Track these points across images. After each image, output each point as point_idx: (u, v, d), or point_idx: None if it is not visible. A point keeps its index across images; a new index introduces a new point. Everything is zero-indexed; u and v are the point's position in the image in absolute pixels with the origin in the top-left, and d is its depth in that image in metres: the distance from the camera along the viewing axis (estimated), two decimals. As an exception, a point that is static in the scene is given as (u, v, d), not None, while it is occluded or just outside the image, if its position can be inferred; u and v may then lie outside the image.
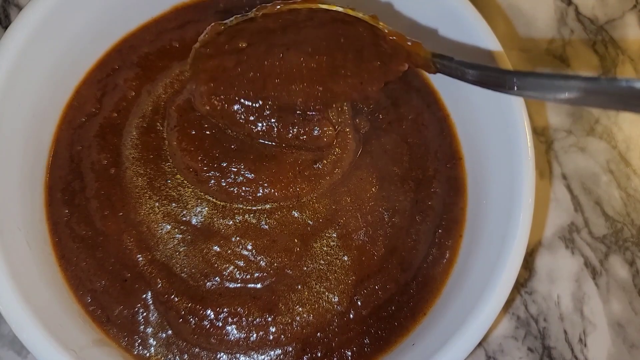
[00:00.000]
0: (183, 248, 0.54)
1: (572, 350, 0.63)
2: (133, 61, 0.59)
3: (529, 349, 0.63)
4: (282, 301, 0.53)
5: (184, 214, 0.55)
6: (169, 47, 0.60)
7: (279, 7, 0.52)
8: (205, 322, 0.52)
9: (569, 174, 0.69)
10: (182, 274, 0.54)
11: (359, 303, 0.54)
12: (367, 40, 0.51)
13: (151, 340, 0.53)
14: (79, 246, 0.54)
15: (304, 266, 0.54)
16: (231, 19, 0.53)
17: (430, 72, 0.52)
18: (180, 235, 0.55)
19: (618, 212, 0.68)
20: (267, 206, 0.55)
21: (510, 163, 0.52)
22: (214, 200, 0.55)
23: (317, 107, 0.52)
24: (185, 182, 0.56)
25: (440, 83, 0.59)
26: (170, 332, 0.53)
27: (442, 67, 0.50)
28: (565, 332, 0.64)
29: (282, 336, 0.53)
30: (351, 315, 0.54)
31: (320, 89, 0.51)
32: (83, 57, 0.57)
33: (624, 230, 0.68)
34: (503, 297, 0.49)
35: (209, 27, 0.53)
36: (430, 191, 0.57)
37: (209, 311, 0.53)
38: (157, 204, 0.55)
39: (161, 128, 0.57)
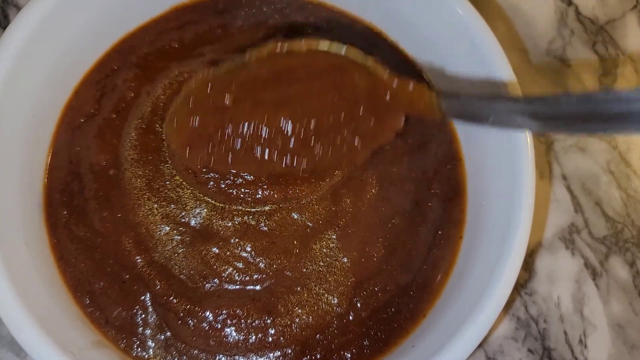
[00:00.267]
0: (182, 249, 0.54)
1: (572, 351, 0.63)
2: (132, 62, 0.59)
3: (529, 350, 0.63)
4: (281, 303, 0.53)
5: (182, 216, 0.55)
6: (168, 47, 0.59)
7: (278, 47, 0.48)
8: (204, 324, 0.52)
9: (569, 174, 0.68)
10: (181, 276, 0.54)
11: (359, 305, 0.54)
12: (363, 91, 0.47)
13: (150, 342, 0.53)
14: (77, 247, 0.54)
15: (303, 268, 0.54)
16: (221, 65, 0.50)
17: (436, 118, 0.47)
18: (179, 237, 0.54)
19: (618, 213, 0.68)
20: (267, 208, 0.55)
21: (510, 164, 0.52)
22: (212, 201, 0.55)
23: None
24: (184, 183, 0.56)
25: (440, 82, 0.59)
26: (169, 333, 0.53)
27: (449, 110, 0.45)
28: (565, 333, 0.64)
29: (282, 338, 0.53)
30: (350, 317, 0.54)
31: (305, 161, 0.49)
32: (82, 58, 0.57)
33: (625, 231, 0.67)
34: (503, 299, 0.48)
35: (196, 75, 0.51)
36: (430, 192, 0.57)
37: (207, 313, 0.52)
38: (155, 205, 0.55)
39: (160, 129, 0.57)
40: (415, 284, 0.55)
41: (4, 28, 0.67)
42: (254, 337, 0.53)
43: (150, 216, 0.55)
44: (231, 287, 0.53)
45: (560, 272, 0.65)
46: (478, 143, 0.56)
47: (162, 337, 0.53)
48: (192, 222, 0.55)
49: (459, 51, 0.55)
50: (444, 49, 0.57)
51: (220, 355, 0.53)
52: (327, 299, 0.54)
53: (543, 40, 0.72)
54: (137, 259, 0.53)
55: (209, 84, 0.49)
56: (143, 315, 0.53)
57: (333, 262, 0.55)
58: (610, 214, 0.68)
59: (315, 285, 0.54)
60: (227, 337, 0.52)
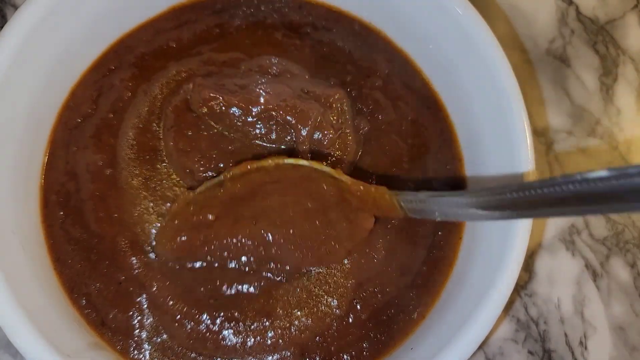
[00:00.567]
0: None
1: (572, 353, 0.63)
2: (129, 61, 0.58)
3: (529, 352, 0.63)
4: (280, 305, 0.53)
5: None
6: (166, 47, 0.59)
7: (248, 167, 0.51)
8: (202, 327, 0.52)
9: (570, 175, 0.68)
10: (178, 277, 0.53)
11: (358, 307, 0.54)
12: (333, 197, 0.51)
13: (146, 345, 0.52)
14: (73, 248, 0.53)
15: (302, 269, 0.54)
16: (200, 187, 0.53)
17: (399, 217, 0.50)
18: None
19: (619, 214, 0.67)
20: None
21: (510, 165, 0.51)
22: None
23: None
24: (181, 182, 0.55)
25: (440, 84, 0.59)
26: (165, 336, 0.52)
27: (409, 207, 0.48)
28: (565, 334, 0.63)
29: (280, 340, 0.52)
30: (350, 319, 0.53)
31: (287, 267, 0.52)
32: (79, 58, 0.57)
33: (625, 232, 0.67)
34: (503, 300, 0.48)
35: (179, 197, 0.54)
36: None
37: (205, 315, 0.52)
38: (151, 204, 0.55)
39: (157, 129, 0.56)
40: (415, 286, 0.55)
41: (1, 27, 0.67)
42: (252, 340, 0.52)
43: (145, 215, 0.54)
44: (229, 288, 0.53)
45: (561, 273, 0.65)
46: (478, 143, 0.56)
47: (159, 339, 0.52)
48: None
49: (459, 51, 0.55)
50: (443, 48, 0.56)
51: (218, 359, 0.52)
52: (326, 301, 0.53)
53: (543, 40, 0.72)
54: (133, 260, 0.53)
55: (191, 205, 0.52)
56: (139, 317, 0.52)
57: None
58: (611, 215, 0.67)
59: (314, 287, 0.54)
60: (225, 340, 0.52)
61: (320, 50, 0.60)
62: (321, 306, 0.53)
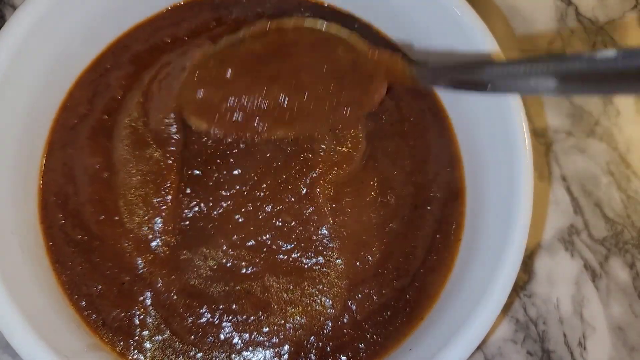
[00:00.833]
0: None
1: (571, 353, 0.63)
2: (125, 60, 0.58)
3: (529, 353, 0.63)
4: (274, 300, 0.53)
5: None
6: (161, 43, 0.59)
7: (268, 25, 0.52)
8: (202, 320, 0.52)
9: (569, 175, 0.68)
10: (181, 270, 0.53)
11: (353, 307, 0.54)
12: (347, 63, 0.52)
13: (147, 344, 0.52)
14: (73, 251, 0.53)
15: (297, 264, 0.54)
16: (219, 43, 0.53)
17: (412, 85, 0.51)
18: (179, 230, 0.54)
19: (618, 214, 0.67)
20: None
21: (509, 165, 0.51)
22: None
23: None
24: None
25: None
26: (167, 334, 0.53)
27: (421, 77, 0.49)
28: (564, 335, 0.63)
29: (275, 337, 0.53)
30: (345, 320, 0.53)
31: (297, 128, 0.52)
32: (77, 58, 0.57)
33: (624, 233, 0.67)
34: (502, 301, 0.48)
35: (200, 49, 0.54)
36: (429, 195, 0.57)
37: (204, 308, 0.52)
38: (154, 200, 0.54)
39: (146, 121, 0.56)
40: (413, 288, 0.55)
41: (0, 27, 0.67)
42: (248, 335, 0.53)
43: (148, 214, 0.54)
44: (227, 280, 0.53)
45: (560, 273, 0.65)
46: (477, 144, 0.56)
47: (160, 337, 0.53)
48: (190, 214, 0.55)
49: (457, 52, 0.55)
50: (442, 50, 0.56)
51: (216, 354, 0.52)
52: (320, 300, 0.53)
53: (543, 40, 0.72)
54: (138, 260, 0.53)
55: (211, 60, 0.53)
56: (142, 316, 0.53)
57: (327, 262, 0.54)
58: (610, 215, 0.67)
59: (308, 285, 0.54)
60: (224, 334, 0.52)
61: None
62: (315, 305, 0.53)
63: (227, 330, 0.53)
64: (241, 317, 0.53)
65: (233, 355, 0.53)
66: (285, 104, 0.51)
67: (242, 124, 0.52)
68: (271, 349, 0.53)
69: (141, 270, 0.53)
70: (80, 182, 0.55)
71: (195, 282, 0.53)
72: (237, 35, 0.53)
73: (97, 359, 0.50)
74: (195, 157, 0.55)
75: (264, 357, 0.53)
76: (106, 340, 0.52)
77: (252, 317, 0.53)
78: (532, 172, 0.50)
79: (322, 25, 0.52)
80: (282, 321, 0.53)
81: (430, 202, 0.56)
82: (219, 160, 0.54)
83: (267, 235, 0.54)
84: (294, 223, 0.54)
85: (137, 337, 0.52)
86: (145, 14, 0.59)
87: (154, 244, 0.54)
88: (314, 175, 0.54)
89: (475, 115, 0.55)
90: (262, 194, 0.54)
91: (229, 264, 0.54)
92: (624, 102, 0.71)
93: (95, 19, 0.56)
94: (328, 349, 0.53)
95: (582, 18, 0.73)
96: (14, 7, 0.68)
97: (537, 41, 0.72)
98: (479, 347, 0.62)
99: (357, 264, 0.54)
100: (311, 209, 0.54)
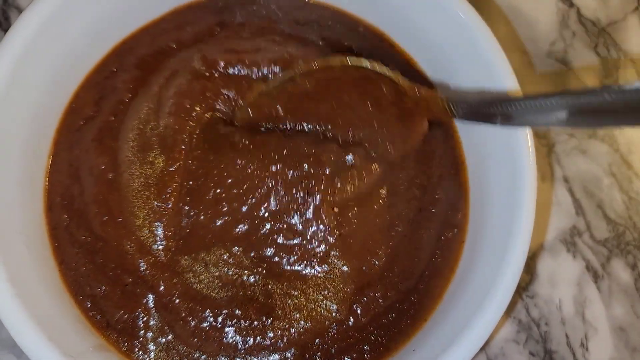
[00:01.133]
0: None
1: (573, 354, 0.63)
2: (131, 63, 0.58)
3: (531, 353, 0.63)
4: (278, 306, 0.53)
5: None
6: (167, 47, 0.59)
7: (315, 63, 0.54)
8: (205, 324, 0.52)
9: (571, 177, 0.68)
10: (183, 274, 0.53)
11: (359, 311, 0.54)
12: (390, 100, 0.53)
13: (151, 346, 0.52)
14: (78, 251, 0.54)
15: (302, 271, 0.54)
16: (273, 81, 0.56)
17: (449, 119, 0.53)
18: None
19: (620, 216, 0.68)
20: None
21: (512, 167, 0.51)
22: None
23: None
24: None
25: (441, 85, 0.59)
26: (170, 336, 0.53)
27: (457, 113, 0.50)
28: (566, 336, 0.64)
29: (280, 341, 0.52)
30: (350, 323, 0.53)
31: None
32: (82, 60, 0.57)
33: (626, 234, 0.67)
34: (505, 302, 0.48)
35: (252, 89, 0.56)
36: (434, 197, 0.57)
37: (207, 312, 0.52)
38: (155, 203, 0.54)
39: (157, 127, 0.56)
40: (417, 290, 0.55)
41: (5, 30, 0.67)
42: (252, 340, 0.52)
43: (151, 216, 0.54)
44: (230, 287, 0.53)
45: (562, 274, 0.65)
46: (480, 148, 0.56)
47: (164, 340, 0.53)
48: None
49: (460, 53, 0.55)
50: (445, 51, 0.57)
51: (221, 357, 0.53)
52: (325, 305, 0.53)
53: (544, 42, 0.72)
54: (140, 263, 0.53)
55: (264, 97, 0.56)
56: (145, 318, 0.53)
57: (332, 270, 0.54)
58: (612, 217, 0.68)
59: (313, 292, 0.53)
60: (227, 338, 0.52)
61: (326, 50, 0.60)
62: (320, 310, 0.53)
63: (230, 334, 0.52)
64: (245, 322, 0.52)
65: (238, 359, 0.53)
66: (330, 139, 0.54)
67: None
68: (276, 353, 0.53)
69: (143, 273, 0.53)
70: (86, 183, 0.55)
71: (197, 287, 0.53)
72: (289, 73, 0.55)
73: (103, 359, 0.50)
74: (197, 170, 0.54)
75: None
76: (111, 341, 0.52)
77: (255, 322, 0.52)
78: (535, 174, 0.50)
79: (366, 63, 0.53)
80: (287, 325, 0.53)
81: (435, 204, 0.57)
82: (219, 177, 0.54)
83: (270, 249, 0.53)
84: (297, 240, 0.54)
85: (141, 339, 0.52)
86: (149, 16, 0.60)
87: (155, 247, 0.54)
88: (320, 196, 0.53)
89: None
90: (265, 212, 0.53)
91: (230, 272, 0.54)
92: (625, 104, 0.71)
93: (100, 20, 0.56)
94: (333, 350, 0.53)
95: (584, 20, 0.74)
96: (18, 9, 0.68)
97: (539, 43, 0.72)
98: (482, 348, 0.61)
99: (363, 268, 0.54)
100: (315, 227, 0.53)
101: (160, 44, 0.59)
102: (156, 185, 0.54)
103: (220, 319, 0.52)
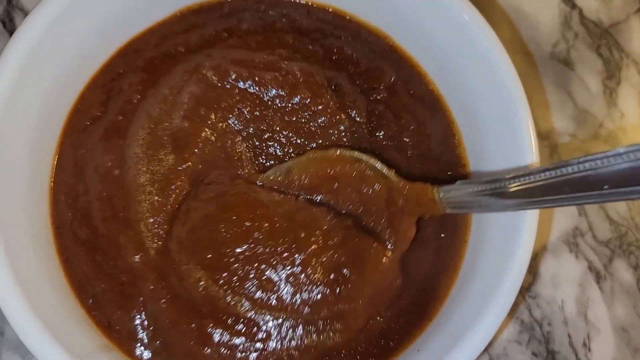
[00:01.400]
0: None
1: (576, 354, 0.63)
2: (138, 66, 0.58)
3: (533, 353, 0.63)
4: (275, 333, 0.52)
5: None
6: (174, 51, 0.59)
7: (313, 154, 0.54)
8: (198, 332, 0.51)
9: (573, 177, 0.68)
10: (172, 275, 0.53)
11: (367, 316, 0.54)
12: (383, 198, 0.52)
13: (150, 346, 0.52)
14: (80, 249, 0.54)
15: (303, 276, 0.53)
16: (269, 172, 0.55)
17: (439, 214, 0.51)
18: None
19: (622, 216, 0.68)
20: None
21: (515, 168, 0.52)
22: None
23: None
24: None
25: (445, 88, 0.59)
26: (168, 337, 0.52)
27: (451, 202, 0.49)
28: (569, 336, 0.64)
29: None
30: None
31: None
32: (88, 61, 0.57)
33: (628, 235, 0.67)
34: (509, 303, 0.49)
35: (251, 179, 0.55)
36: None
37: (198, 320, 0.51)
38: (156, 198, 0.54)
39: (169, 124, 0.56)
40: (421, 290, 0.55)
41: (10, 32, 0.67)
42: (242, 346, 0.52)
43: (150, 210, 0.54)
44: (223, 293, 0.52)
45: (564, 275, 0.66)
46: (483, 147, 0.56)
47: (160, 341, 0.52)
48: None
49: (464, 55, 0.55)
50: (449, 53, 0.57)
51: None
52: (334, 326, 0.52)
53: (547, 43, 0.72)
54: (135, 259, 0.53)
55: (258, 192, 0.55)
56: (140, 319, 0.52)
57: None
58: (614, 218, 0.68)
59: (317, 318, 0.52)
60: (225, 348, 0.51)
61: (330, 55, 0.60)
62: (329, 331, 0.52)
63: (231, 343, 0.51)
64: (239, 339, 0.52)
65: None
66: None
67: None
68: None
69: (137, 271, 0.53)
70: (90, 181, 0.55)
71: (191, 294, 0.52)
72: (287, 166, 0.54)
73: (109, 359, 0.50)
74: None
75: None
76: (114, 340, 0.52)
77: (250, 342, 0.52)
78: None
79: (359, 155, 0.53)
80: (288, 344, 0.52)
81: None
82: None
83: (268, 295, 0.51)
84: (295, 294, 0.52)
85: (138, 339, 0.52)
86: (154, 18, 0.60)
87: (147, 243, 0.53)
88: (308, 256, 0.52)
89: (481, 118, 0.56)
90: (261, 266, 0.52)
91: (228, 299, 0.51)
92: (627, 105, 0.71)
93: (104, 22, 0.56)
94: (335, 352, 0.53)
95: (587, 21, 0.74)
96: (22, 10, 0.68)
97: (542, 44, 0.72)
98: (485, 348, 0.62)
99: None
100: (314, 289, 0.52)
101: (167, 46, 0.59)
102: (161, 182, 0.54)
103: (217, 329, 0.51)
